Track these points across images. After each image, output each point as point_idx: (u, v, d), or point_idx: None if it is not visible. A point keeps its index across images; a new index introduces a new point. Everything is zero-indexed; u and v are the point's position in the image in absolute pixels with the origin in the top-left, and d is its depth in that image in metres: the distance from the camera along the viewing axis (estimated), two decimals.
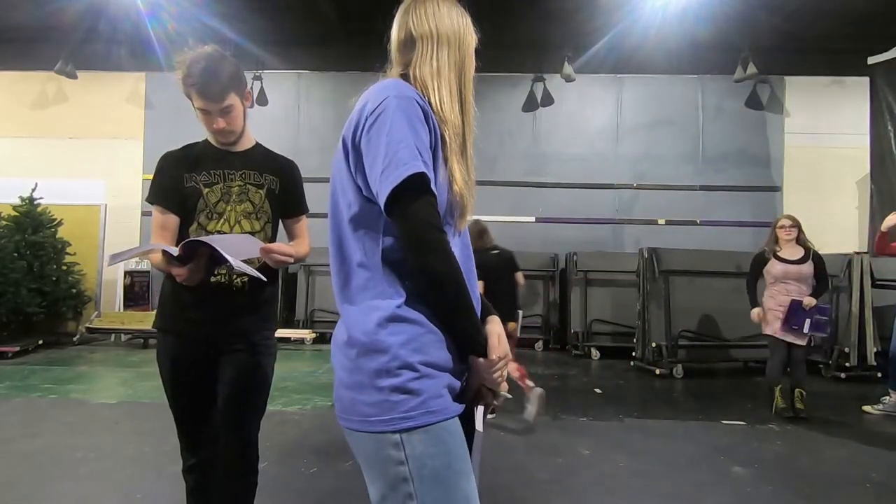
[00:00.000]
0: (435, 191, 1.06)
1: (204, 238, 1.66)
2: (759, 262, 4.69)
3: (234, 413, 1.86)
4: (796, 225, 4.60)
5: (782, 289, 4.49)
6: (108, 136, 8.99)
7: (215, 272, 1.81)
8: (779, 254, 4.59)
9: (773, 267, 4.57)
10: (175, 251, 1.59)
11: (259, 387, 1.91)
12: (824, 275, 4.56)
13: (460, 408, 1.08)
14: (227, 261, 1.55)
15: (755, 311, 4.63)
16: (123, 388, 5.22)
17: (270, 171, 1.95)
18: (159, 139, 8.53)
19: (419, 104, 1.08)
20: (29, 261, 7.15)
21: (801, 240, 4.62)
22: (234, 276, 1.85)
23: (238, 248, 1.63)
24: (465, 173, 1.12)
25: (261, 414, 1.93)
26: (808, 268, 4.50)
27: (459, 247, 1.16)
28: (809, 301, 4.38)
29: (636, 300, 6.73)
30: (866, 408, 4.70)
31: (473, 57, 1.22)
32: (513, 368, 1.14)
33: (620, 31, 7.65)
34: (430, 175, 1.05)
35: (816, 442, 3.93)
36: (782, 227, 4.60)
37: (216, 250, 1.54)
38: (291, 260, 1.83)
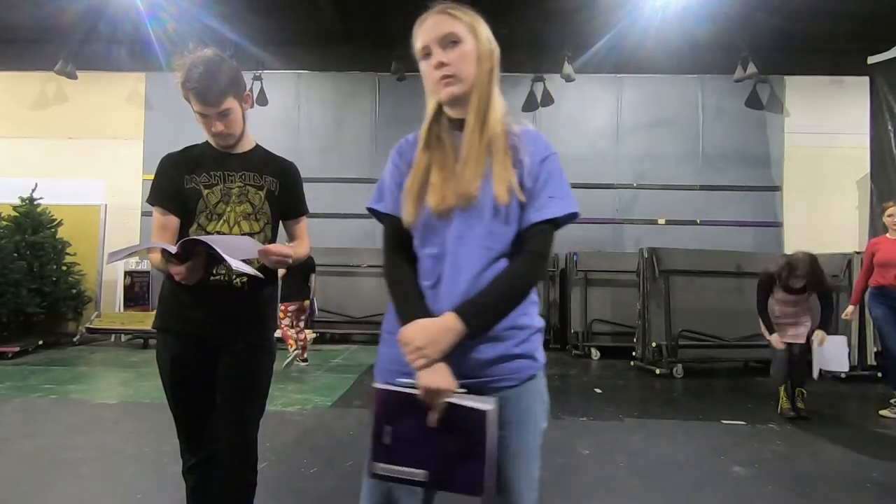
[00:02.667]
0: (389, 212, 1.33)
1: (202, 237, 1.67)
2: (766, 286, 4.59)
3: (233, 413, 1.86)
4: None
5: (784, 296, 4.49)
6: (108, 136, 8.99)
7: (214, 272, 1.82)
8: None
9: (777, 293, 4.53)
10: (173, 249, 1.60)
11: (258, 387, 1.92)
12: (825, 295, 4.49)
13: (387, 376, 1.27)
14: (224, 259, 1.56)
15: (775, 338, 4.46)
16: (123, 388, 5.22)
17: (270, 172, 1.95)
18: (159, 139, 8.53)
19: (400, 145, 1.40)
20: (29, 261, 7.15)
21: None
22: (234, 277, 1.85)
23: (236, 249, 1.64)
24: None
25: (260, 414, 1.93)
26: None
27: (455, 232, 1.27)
28: (822, 337, 4.32)
29: (636, 300, 6.73)
30: (883, 412, 4.64)
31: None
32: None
33: (620, 31, 7.65)
34: (383, 204, 1.34)
35: (816, 442, 3.93)
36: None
37: (214, 249, 1.55)
38: (290, 261, 1.84)
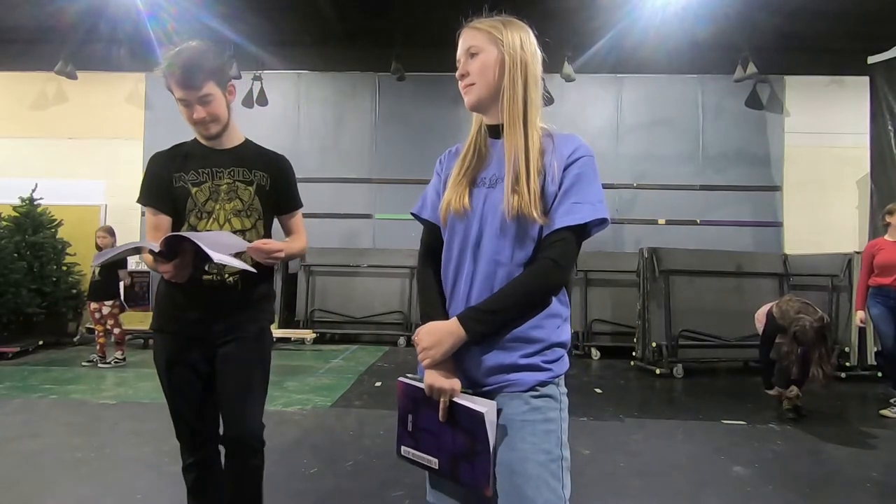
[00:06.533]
0: (427, 218, 1.43)
1: (184, 233, 1.65)
2: (771, 341, 4.64)
3: (232, 407, 1.86)
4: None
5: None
6: (108, 136, 8.98)
7: (207, 269, 1.81)
8: None
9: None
10: (156, 248, 1.59)
11: (256, 379, 1.90)
12: None
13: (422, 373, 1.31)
14: (207, 255, 1.53)
15: (775, 392, 4.57)
16: (123, 388, 5.22)
17: (260, 167, 1.92)
18: (159, 139, 8.45)
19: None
20: (29, 261, 7.15)
21: None
22: (226, 275, 1.84)
23: (221, 244, 1.63)
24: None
25: (260, 404, 1.91)
26: None
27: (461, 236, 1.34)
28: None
29: (636, 300, 6.72)
30: (884, 411, 4.67)
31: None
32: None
33: (620, 30, 7.64)
34: (423, 211, 1.44)
35: (816, 442, 3.93)
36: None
37: (197, 245, 1.54)
38: (282, 255, 1.81)
